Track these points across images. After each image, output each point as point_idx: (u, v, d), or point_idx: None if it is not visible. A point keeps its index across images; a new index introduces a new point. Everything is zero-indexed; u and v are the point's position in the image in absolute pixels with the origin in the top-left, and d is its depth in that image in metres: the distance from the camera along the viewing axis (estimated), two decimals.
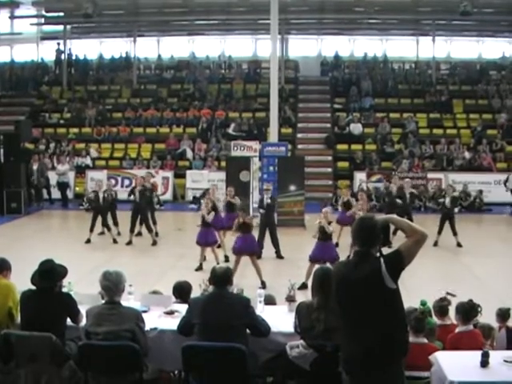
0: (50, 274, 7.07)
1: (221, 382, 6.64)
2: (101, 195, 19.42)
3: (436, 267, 15.83)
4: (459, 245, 18.41)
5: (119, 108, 32.39)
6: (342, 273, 5.72)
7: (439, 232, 18.55)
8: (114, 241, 18.95)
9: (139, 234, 19.45)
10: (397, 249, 5.50)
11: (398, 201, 19.18)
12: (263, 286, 13.16)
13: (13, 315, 7.37)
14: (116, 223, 19.67)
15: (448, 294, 8.33)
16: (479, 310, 7.61)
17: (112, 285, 6.73)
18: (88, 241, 18.79)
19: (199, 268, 15.33)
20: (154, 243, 18.71)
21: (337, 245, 16.83)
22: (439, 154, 27.72)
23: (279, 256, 16.98)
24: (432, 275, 14.80)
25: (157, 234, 19.33)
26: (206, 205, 15.97)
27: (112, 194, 19.61)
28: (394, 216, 6.01)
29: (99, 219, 19.23)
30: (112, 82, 34.85)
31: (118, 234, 19.43)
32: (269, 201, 17.08)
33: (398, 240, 5.84)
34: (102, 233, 19.69)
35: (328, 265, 13.47)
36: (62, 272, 7.28)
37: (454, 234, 18.58)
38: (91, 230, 18.91)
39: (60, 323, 6.93)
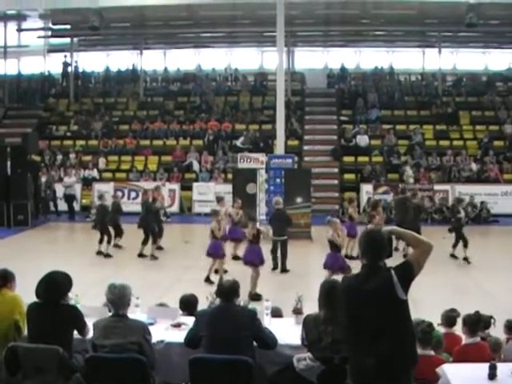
0: (53, 287, 7.06)
1: None
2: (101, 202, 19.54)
3: (443, 280, 15.74)
4: (454, 256, 18.42)
5: (126, 120, 32.47)
6: (352, 285, 5.73)
7: (466, 245, 18.37)
8: (108, 253, 18.90)
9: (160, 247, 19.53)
10: (406, 260, 5.59)
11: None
12: (251, 297, 13.43)
13: (20, 328, 7.36)
14: (117, 234, 19.66)
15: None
16: (492, 321, 7.59)
17: (116, 298, 6.74)
18: (99, 252, 18.86)
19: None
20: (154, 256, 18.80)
21: (346, 256, 16.97)
22: (444, 166, 27.67)
23: (284, 269, 17.00)
24: (439, 288, 14.74)
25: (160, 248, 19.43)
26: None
27: (107, 206, 19.63)
28: (397, 228, 6.04)
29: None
30: (119, 95, 34.97)
31: (117, 246, 19.52)
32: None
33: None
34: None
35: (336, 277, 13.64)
36: (66, 287, 7.25)
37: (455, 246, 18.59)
38: (100, 242, 18.97)
39: (67, 336, 6.91)
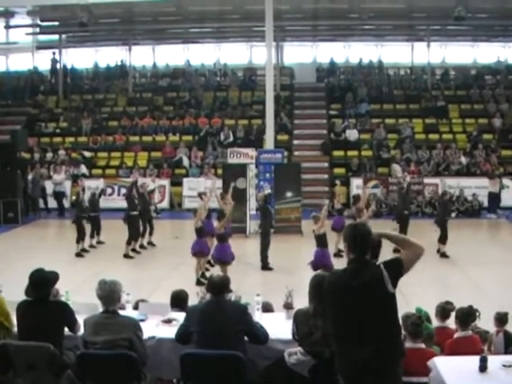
0: (41, 283, 7.04)
1: None
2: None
3: (433, 273, 15.74)
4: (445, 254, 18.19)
5: (115, 116, 32.34)
6: (341, 281, 5.69)
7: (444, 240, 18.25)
8: (79, 254, 18.47)
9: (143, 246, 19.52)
10: (398, 257, 5.59)
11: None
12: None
13: (6, 327, 7.34)
14: (92, 235, 19.58)
15: None
16: (477, 314, 7.62)
17: (106, 294, 6.72)
18: (98, 242, 19.34)
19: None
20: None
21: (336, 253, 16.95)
22: (430, 160, 27.66)
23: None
24: (429, 281, 14.75)
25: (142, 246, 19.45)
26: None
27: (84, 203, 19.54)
28: (388, 231, 6.04)
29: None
30: (108, 91, 34.82)
31: (91, 245, 19.44)
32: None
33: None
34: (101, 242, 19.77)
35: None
36: (52, 279, 7.24)
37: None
38: (91, 237, 19.23)
39: (57, 333, 6.91)
